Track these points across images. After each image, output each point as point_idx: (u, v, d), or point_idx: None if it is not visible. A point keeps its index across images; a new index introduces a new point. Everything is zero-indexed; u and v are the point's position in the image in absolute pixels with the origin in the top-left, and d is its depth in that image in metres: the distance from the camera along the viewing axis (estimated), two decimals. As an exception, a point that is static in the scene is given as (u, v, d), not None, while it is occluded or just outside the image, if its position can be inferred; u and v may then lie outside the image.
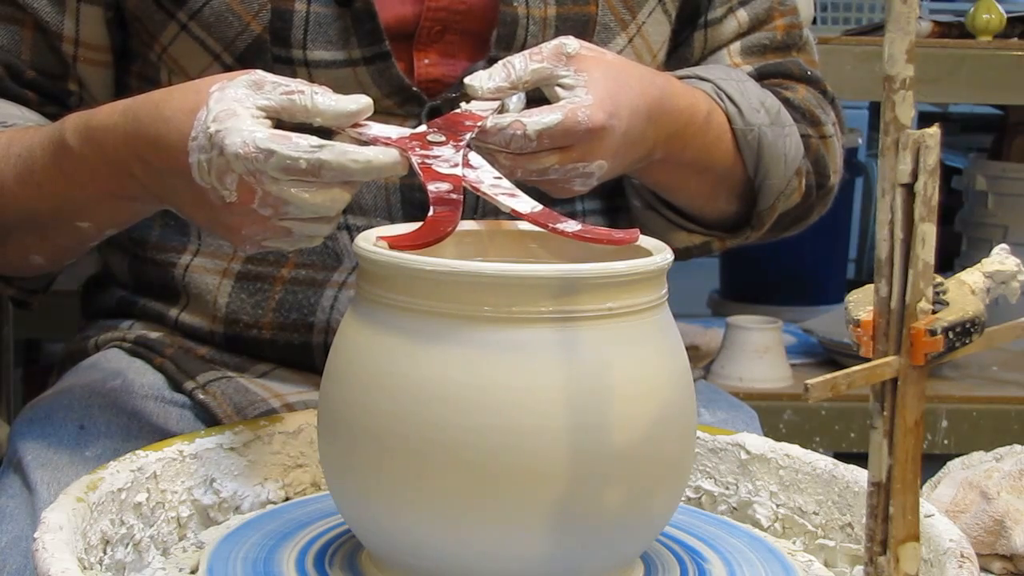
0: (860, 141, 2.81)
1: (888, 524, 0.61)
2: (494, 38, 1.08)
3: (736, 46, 1.23)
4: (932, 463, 1.11)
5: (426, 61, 1.10)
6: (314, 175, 0.83)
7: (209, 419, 1.07)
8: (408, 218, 1.06)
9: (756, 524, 0.93)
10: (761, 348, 2.19)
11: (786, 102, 1.19)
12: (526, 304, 0.75)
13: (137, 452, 0.88)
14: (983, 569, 1.04)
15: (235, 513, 0.92)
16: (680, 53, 1.22)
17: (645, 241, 0.84)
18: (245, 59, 1.06)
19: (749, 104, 1.13)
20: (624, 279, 0.77)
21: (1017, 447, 1.15)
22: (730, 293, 2.81)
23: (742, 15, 1.22)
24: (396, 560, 0.80)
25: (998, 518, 1.04)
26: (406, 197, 1.10)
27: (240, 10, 1.06)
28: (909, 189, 0.60)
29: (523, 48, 1.07)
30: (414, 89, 1.08)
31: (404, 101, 1.08)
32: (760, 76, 1.21)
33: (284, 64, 1.06)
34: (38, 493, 0.98)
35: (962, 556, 0.79)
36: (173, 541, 0.89)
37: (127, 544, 0.85)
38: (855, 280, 3.15)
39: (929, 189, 0.60)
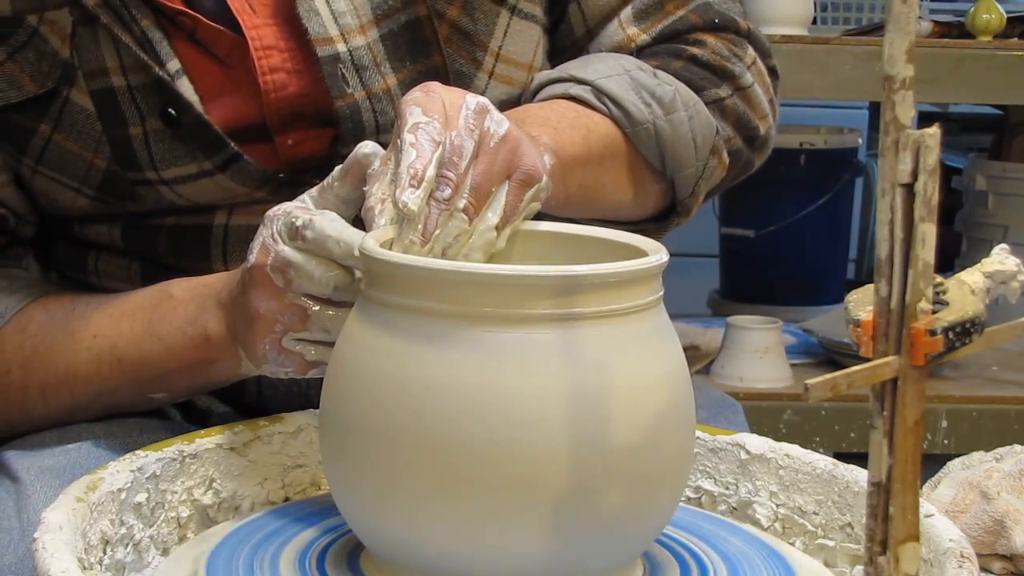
0: (860, 141, 2.80)
1: (888, 524, 0.61)
2: (342, 133, 1.04)
3: (627, 13, 1.12)
4: (932, 463, 1.11)
5: (289, 142, 1.06)
6: (302, 237, 0.86)
7: None
8: None
9: (756, 524, 0.93)
10: (761, 348, 2.19)
11: (693, 61, 1.10)
12: (526, 304, 0.75)
13: (137, 452, 0.88)
14: (983, 569, 1.04)
15: (235, 513, 0.92)
16: (561, 32, 1.13)
17: (641, 241, 0.84)
18: (105, 189, 1.05)
19: (635, 102, 1.05)
20: (623, 279, 0.77)
21: (1017, 447, 1.15)
22: (730, 293, 2.81)
23: None
24: (396, 559, 0.80)
25: (998, 518, 1.04)
26: None
27: (77, 150, 1.04)
28: (909, 189, 0.60)
29: (377, 128, 1.03)
30: (280, 176, 1.04)
31: (277, 188, 1.05)
32: (660, 41, 1.12)
33: (144, 185, 1.04)
34: (26, 488, 0.96)
35: (962, 556, 0.79)
36: (173, 541, 0.89)
37: (127, 544, 0.85)
38: (855, 280, 3.15)
39: (929, 189, 0.60)
